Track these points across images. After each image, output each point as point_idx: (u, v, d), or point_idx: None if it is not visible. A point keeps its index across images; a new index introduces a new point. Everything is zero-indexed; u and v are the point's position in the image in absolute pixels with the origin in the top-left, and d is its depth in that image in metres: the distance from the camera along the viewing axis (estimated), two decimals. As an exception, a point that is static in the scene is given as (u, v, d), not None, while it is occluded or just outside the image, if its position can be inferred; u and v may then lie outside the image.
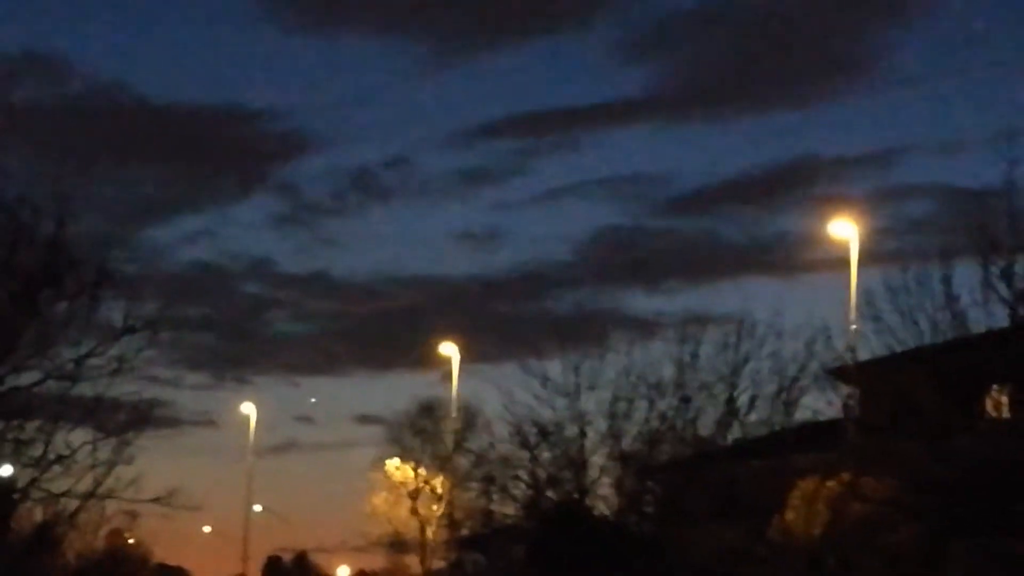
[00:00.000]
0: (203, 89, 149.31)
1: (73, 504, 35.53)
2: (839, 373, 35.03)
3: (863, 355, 33.92)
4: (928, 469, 29.61)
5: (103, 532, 66.03)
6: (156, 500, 36.09)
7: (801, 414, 37.52)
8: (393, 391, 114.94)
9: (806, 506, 34.38)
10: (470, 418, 51.86)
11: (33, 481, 35.17)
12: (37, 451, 34.73)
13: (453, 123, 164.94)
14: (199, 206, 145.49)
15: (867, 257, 37.76)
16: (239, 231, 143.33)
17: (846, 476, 33.26)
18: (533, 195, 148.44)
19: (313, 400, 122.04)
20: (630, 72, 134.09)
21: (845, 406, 34.73)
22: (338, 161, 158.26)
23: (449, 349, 55.48)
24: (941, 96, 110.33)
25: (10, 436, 34.67)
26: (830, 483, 33.83)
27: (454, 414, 54.78)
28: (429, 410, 59.36)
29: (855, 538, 32.18)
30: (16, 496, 35.86)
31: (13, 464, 35.32)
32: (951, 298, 31.44)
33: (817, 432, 35.68)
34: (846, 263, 38.06)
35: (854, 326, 35.36)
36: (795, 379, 37.12)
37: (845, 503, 33.03)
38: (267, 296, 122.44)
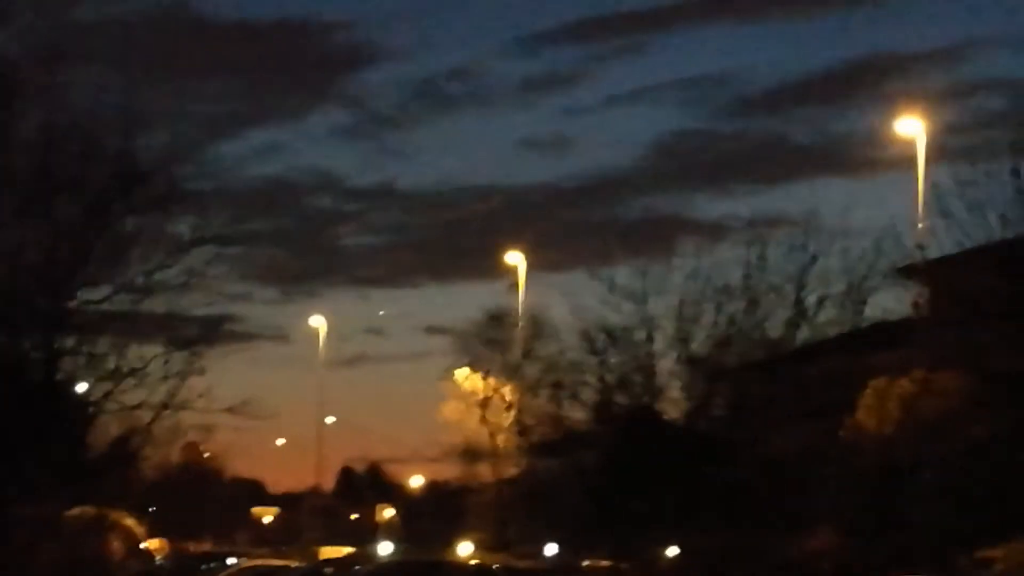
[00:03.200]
0: (265, 2, 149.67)
1: (148, 416, 35.77)
2: (909, 271, 34.77)
3: (933, 252, 33.67)
4: (1002, 361, 29.41)
5: (179, 446, 66.79)
6: (230, 410, 36.40)
7: (871, 313, 37.36)
8: (461, 301, 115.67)
9: (878, 405, 34.18)
10: (538, 326, 51.88)
11: (107, 394, 35.50)
12: (110, 365, 35.05)
13: (517, 30, 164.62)
14: (266, 121, 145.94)
15: (937, 154, 37.38)
16: (306, 145, 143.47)
17: (918, 374, 33.08)
18: (599, 100, 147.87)
19: (382, 312, 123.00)
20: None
21: (915, 304, 34.50)
22: (402, 72, 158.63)
23: (515, 258, 55.60)
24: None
25: (84, 350, 35.04)
26: (902, 381, 33.66)
27: (521, 323, 54.82)
28: (497, 319, 59.35)
29: (928, 434, 32.05)
30: (91, 410, 36.19)
31: (88, 378, 35.68)
32: (1021, 192, 31.13)
33: (888, 331, 35.47)
34: (915, 161, 37.70)
35: (923, 223, 35.09)
36: (864, 278, 36.86)
37: (918, 400, 32.87)
38: (335, 209, 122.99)
